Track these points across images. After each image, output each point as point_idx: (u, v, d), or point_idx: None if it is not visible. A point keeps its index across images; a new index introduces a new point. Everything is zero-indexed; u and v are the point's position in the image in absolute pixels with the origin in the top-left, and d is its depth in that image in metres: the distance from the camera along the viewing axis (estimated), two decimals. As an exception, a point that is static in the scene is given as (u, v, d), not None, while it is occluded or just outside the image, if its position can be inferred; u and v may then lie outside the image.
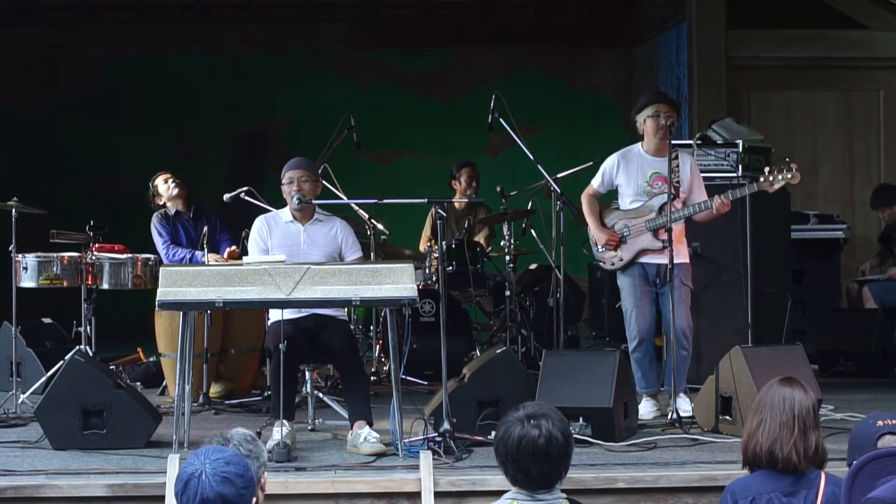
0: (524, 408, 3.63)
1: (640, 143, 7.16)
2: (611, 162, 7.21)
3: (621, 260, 7.12)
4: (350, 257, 6.65)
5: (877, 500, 3.30)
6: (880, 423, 3.68)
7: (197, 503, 3.28)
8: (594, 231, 7.23)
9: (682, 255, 7.03)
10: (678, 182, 6.98)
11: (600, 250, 7.22)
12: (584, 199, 7.30)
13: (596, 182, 7.25)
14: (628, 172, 7.13)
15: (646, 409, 7.05)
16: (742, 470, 5.54)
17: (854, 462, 3.54)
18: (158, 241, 7.98)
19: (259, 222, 6.73)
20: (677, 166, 7.00)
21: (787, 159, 6.82)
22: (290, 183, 6.61)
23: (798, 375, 6.37)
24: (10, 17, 12.20)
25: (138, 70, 12.93)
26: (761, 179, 6.83)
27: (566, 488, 5.38)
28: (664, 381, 7.16)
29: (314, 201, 6.65)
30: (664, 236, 6.89)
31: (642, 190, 7.06)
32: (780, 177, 6.75)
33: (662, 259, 6.92)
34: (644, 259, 7.04)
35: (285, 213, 6.72)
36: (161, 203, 8.10)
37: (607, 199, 7.45)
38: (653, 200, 7.01)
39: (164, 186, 8.08)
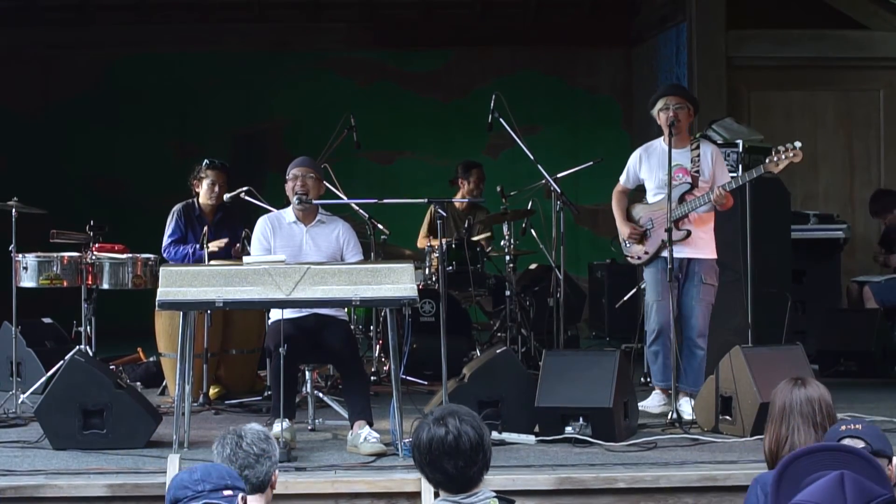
0: (433, 413, 3.64)
1: (661, 137, 7.15)
2: (634, 157, 7.26)
3: (647, 254, 7.14)
4: (349, 259, 6.65)
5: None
6: (843, 427, 3.70)
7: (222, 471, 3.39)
8: (618, 225, 7.27)
9: (706, 250, 7.04)
10: (697, 172, 7.00)
11: (627, 245, 7.24)
12: (613, 195, 7.36)
13: (622, 178, 7.31)
14: (650, 166, 7.15)
15: (654, 401, 7.08)
16: (744, 469, 5.55)
17: (778, 462, 3.53)
18: (166, 234, 7.95)
19: (262, 222, 6.73)
20: (698, 156, 7.02)
21: (785, 146, 6.80)
22: (295, 179, 6.61)
23: (798, 375, 6.42)
24: (9, 17, 12.19)
25: (138, 70, 12.93)
26: (766, 161, 6.84)
27: (566, 488, 5.43)
28: (679, 379, 7.12)
29: (315, 201, 6.64)
30: (686, 226, 6.91)
31: (664, 182, 7.00)
32: (783, 156, 6.75)
33: (685, 253, 6.94)
34: (667, 252, 6.99)
35: (288, 214, 6.72)
36: (196, 192, 8.06)
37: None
38: (673, 192, 6.98)
39: (207, 189, 7.95)
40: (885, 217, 9.99)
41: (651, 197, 7.20)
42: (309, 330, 6.44)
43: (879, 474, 3.39)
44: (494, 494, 3.55)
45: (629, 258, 7.32)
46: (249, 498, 3.66)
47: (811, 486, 3.30)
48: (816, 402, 4.03)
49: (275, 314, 6.53)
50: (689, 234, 6.93)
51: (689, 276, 6.99)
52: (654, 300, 7.08)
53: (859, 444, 3.60)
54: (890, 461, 3.65)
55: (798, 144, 6.74)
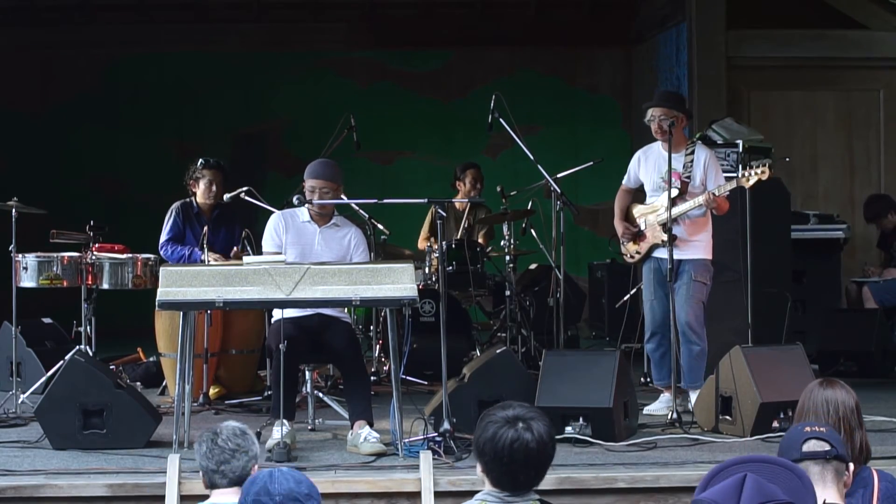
0: (511, 408, 3.48)
1: (660, 141, 7.23)
2: (634, 159, 7.39)
3: (638, 253, 7.27)
4: (353, 261, 6.65)
5: (706, 501, 3.31)
6: (808, 428, 3.70)
7: (292, 484, 3.34)
8: (615, 223, 7.41)
9: (696, 251, 7.12)
10: (689, 178, 7.06)
11: (623, 243, 7.37)
12: (617, 193, 7.49)
13: (625, 179, 7.44)
14: (647, 168, 7.26)
15: (660, 403, 7.17)
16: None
17: (712, 468, 3.54)
18: (163, 232, 7.96)
19: (276, 217, 6.75)
20: (691, 162, 7.09)
21: (787, 159, 6.92)
22: (312, 192, 6.60)
23: (798, 375, 6.42)
24: (10, 17, 12.20)
25: (138, 70, 12.94)
26: (739, 176, 6.97)
27: (566, 488, 5.43)
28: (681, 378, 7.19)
29: (315, 201, 6.63)
30: (674, 230, 7.00)
31: (657, 185, 7.18)
32: (752, 172, 6.86)
33: (675, 254, 7.00)
34: (658, 253, 7.13)
35: (303, 213, 6.72)
36: (193, 192, 8.06)
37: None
38: (663, 195, 7.06)
39: (205, 188, 7.94)
40: (880, 222, 10.02)
41: (647, 198, 7.31)
42: (311, 330, 6.45)
43: (803, 485, 3.39)
44: (538, 497, 3.47)
45: (624, 256, 7.45)
46: (227, 491, 3.76)
47: (715, 486, 3.32)
48: (832, 404, 4.04)
49: (277, 313, 6.53)
50: (674, 238, 7.00)
51: (679, 276, 7.09)
52: (647, 300, 7.25)
53: (825, 447, 3.61)
54: (847, 468, 3.66)
55: (768, 162, 6.86)
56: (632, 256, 7.34)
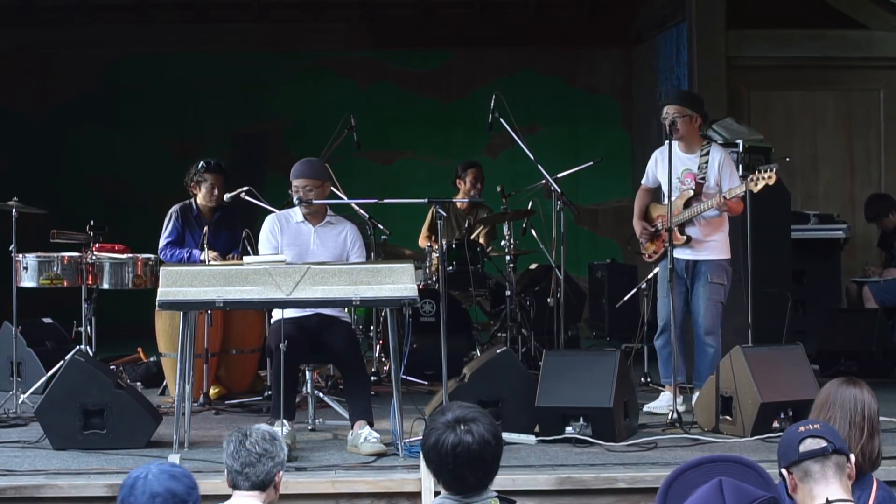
0: (451, 411, 3.49)
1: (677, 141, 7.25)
2: (651, 159, 7.45)
3: (656, 253, 7.35)
4: (352, 261, 6.65)
5: None
6: (802, 428, 3.69)
7: (145, 500, 3.31)
8: (633, 222, 7.50)
9: (712, 252, 7.18)
10: (703, 179, 7.09)
11: (642, 242, 7.46)
12: (637, 193, 7.57)
13: (643, 179, 7.51)
14: (663, 168, 7.25)
15: (662, 401, 7.19)
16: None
17: (666, 476, 3.53)
18: (162, 236, 7.96)
19: (271, 219, 6.75)
20: (706, 163, 7.12)
21: (787, 159, 6.94)
22: (296, 191, 6.60)
23: (798, 375, 6.43)
24: (10, 17, 12.20)
25: (138, 70, 12.93)
26: (749, 179, 6.98)
27: (566, 488, 5.44)
28: (691, 377, 7.23)
29: (315, 201, 6.63)
30: (689, 231, 7.09)
31: (674, 186, 7.15)
32: (759, 177, 6.88)
33: (692, 255, 7.08)
34: (674, 253, 7.10)
35: (297, 213, 6.72)
36: (194, 194, 8.05)
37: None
38: (680, 196, 7.16)
39: (207, 192, 7.93)
40: (881, 221, 10.02)
41: (664, 198, 7.32)
42: (311, 330, 6.45)
43: (765, 482, 3.38)
44: (496, 494, 3.50)
45: (643, 255, 7.54)
46: (248, 494, 3.74)
47: (692, 498, 3.31)
48: (860, 402, 4.04)
49: (277, 313, 6.53)
50: (689, 239, 7.04)
51: (697, 277, 7.15)
52: (660, 297, 7.33)
53: (821, 444, 3.61)
54: (848, 459, 3.65)
55: (775, 167, 6.88)
56: (650, 256, 7.43)
